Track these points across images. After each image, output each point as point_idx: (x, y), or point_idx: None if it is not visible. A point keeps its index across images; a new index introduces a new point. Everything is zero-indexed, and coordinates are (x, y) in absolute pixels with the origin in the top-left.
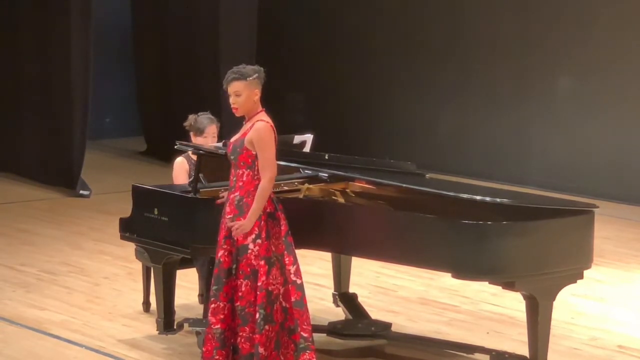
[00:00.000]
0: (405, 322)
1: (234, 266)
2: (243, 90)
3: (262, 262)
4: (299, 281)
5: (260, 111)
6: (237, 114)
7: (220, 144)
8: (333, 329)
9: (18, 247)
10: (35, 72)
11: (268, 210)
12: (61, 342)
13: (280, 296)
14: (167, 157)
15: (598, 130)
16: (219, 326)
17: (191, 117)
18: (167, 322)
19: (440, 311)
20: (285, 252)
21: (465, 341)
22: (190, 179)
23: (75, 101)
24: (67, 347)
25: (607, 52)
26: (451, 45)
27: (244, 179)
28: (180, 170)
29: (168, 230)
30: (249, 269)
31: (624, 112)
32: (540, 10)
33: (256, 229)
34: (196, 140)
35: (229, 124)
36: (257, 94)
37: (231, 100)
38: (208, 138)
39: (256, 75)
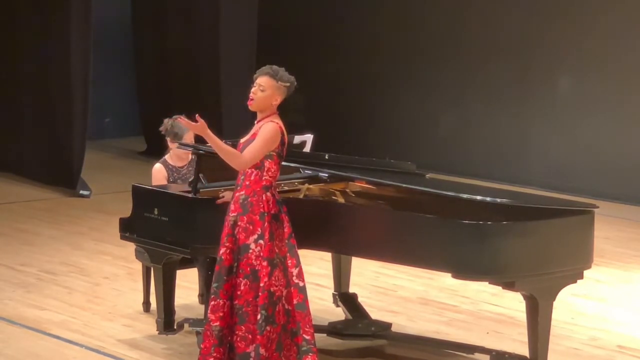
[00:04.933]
0: (405, 322)
1: (235, 264)
2: (268, 88)
3: (265, 264)
4: (301, 284)
5: (275, 113)
6: (250, 107)
7: None
8: (333, 329)
9: (18, 247)
10: (35, 72)
11: (272, 211)
12: (61, 342)
13: (283, 298)
14: None
15: (598, 130)
16: (217, 323)
17: (166, 122)
18: (167, 322)
19: (440, 311)
20: (288, 254)
21: (465, 341)
22: (190, 179)
23: (75, 101)
24: (67, 347)
25: (607, 53)
26: (452, 46)
27: (252, 178)
28: (160, 177)
29: (168, 230)
30: (248, 269)
31: (623, 112)
32: (540, 11)
33: (259, 229)
34: (172, 146)
35: (229, 125)
36: (277, 99)
37: (252, 90)
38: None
39: (288, 84)
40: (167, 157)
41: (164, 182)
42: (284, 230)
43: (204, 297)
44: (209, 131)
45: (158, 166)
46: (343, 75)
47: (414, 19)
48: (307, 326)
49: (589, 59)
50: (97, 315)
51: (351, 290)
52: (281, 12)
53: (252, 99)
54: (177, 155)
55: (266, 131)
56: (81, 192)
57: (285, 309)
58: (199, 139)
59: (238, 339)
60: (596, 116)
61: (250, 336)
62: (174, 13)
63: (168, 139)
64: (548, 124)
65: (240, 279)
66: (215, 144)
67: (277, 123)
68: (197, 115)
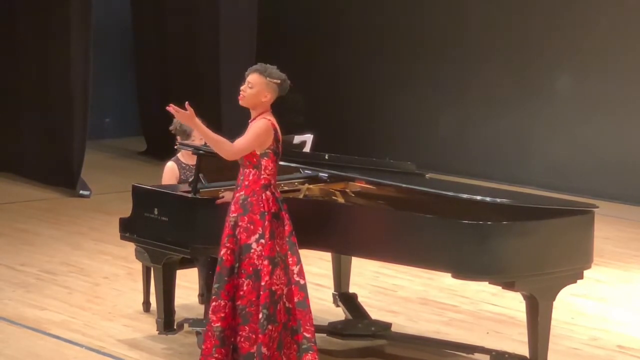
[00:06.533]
0: (405, 322)
1: (237, 265)
2: (256, 85)
3: (266, 262)
4: (302, 282)
5: (267, 111)
6: (240, 103)
7: None
8: (333, 329)
9: (18, 247)
10: (35, 72)
11: (272, 210)
12: (61, 342)
13: (284, 296)
14: (167, 157)
15: (598, 130)
16: (219, 324)
17: (176, 121)
18: (167, 322)
19: (440, 311)
20: (289, 252)
21: (465, 341)
22: (190, 180)
23: (75, 101)
24: (67, 347)
25: (607, 52)
26: (451, 45)
27: (250, 178)
28: (170, 175)
29: (168, 230)
30: (251, 269)
31: (624, 112)
32: (540, 11)
33: (260, 228)
34: None
35: (229, 124)
36: (266, 96)
37: (242, 87)
38: (195, 141)
39: (278, 81)
40: (179, 155)
41: (174, 180)
42: (285, 229)
43: (204, 297)
44: (197, 120)
45: (170, 164)
46: (343, 75)
47: (414, 18)
48: (308, 324)
49: (589, 59)
50: (97, 315)
51: (351, 290)
52: (281, 11)
53: (242, 97)
54: (189, 153)
55: (257, 126)
56: (81, 192)
57: (286, 307)
58: None
59: (242, 340)
60: (596, 116)
61: (254, 336)
62: (174, 13)
63: (178, 137)
64: (548, 124)
65: (243, 279)
66: (204, 132)
67: (269, 120)
68: (187, 102)
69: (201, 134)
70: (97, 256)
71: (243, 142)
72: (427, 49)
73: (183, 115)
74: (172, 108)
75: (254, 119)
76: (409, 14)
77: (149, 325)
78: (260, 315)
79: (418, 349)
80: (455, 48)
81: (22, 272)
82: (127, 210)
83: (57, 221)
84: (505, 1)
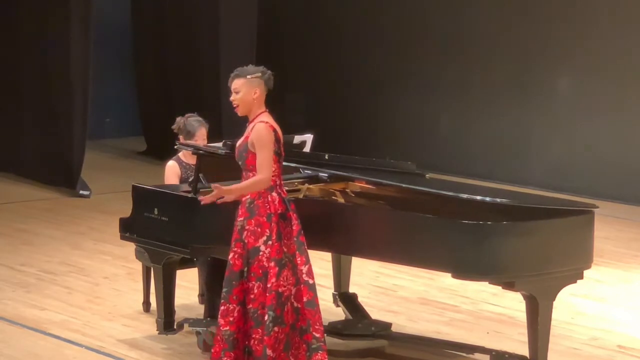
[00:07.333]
0: (405, 322)
1: (246, 269)
2: (241, 87)
3: (272, 264)
4: (311, 281)
5: (263, 112)
6: (238, 113)
7: (220, 144)
8: (333, 329)
9: (18, 247)
10: (35, 72)
11: (279, 211)
12: (61, 342)
13: (292, 297)
14: (167, 157)
15: (598, 130)
16: (227, 328)
17: (179, 120)
18: (167, 322)
19: (440, 311)
20: (297, 252)
21: (465, 341)
22: (190, 180)
23: (75, 101)
24: (67, 347)
25: (607, 52)
26: (452, 46)
27: None
28: (172, 174)
29: (168, 230)
30: (260, 271)
31: (623, 112)
32: (540, 11)
33: (267, 230)
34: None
35: (229, 124)
36: (256, 92)
37: (231, 97)
38: (198, 141)
39: (258, 74)
40: (180, 154)
41: (176, 179)
42: (292, 228)
43: (204, 297)
44: (224, 188)
45: (171, 163)
46: (343, 75)
47: (414, 18)
48: (317, 324)
49: (589, 59)
50: (97, 315)
51: (351, 290)
52: (281, 12)
53: (236, 106)
54: (189, 153)
55: (259, 136)
56: (81, 192)
57: (294, 308)
58: (212, 139)
59: (256, 342)
60: (596, 116)
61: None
62: (174, 13)
63: (180, 137)
64: (548, 124)
65: (253, 282)
66: (238, 189)
67: (266, 122)
68: (212, 185)
69: (237, 193)
70: (97, 256)
71: (263, 163)
72: (427, 49)
73: (214, 197)
74: (205, 198)
75: (252, 121)
76: (410, 14)
77: (149, 325)
78: (266, 317)
79: (418, 349)
80: (455, 48)
81: (22, 272)
82: (127, 210)
83: (57, 221)
84: (505, 1)
